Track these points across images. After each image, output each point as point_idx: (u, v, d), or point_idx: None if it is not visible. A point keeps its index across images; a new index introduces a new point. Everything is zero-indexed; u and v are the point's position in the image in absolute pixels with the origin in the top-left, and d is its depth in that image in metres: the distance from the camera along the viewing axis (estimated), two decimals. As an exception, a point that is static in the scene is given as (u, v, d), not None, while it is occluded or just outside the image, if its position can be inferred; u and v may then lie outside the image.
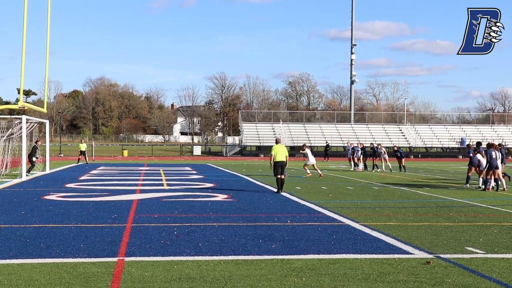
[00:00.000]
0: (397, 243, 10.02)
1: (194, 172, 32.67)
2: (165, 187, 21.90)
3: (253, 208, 15.12)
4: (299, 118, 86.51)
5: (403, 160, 34.73)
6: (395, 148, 35.79)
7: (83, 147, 42.20)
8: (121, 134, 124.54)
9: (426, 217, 13.57)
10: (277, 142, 20.66)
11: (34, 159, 28.60)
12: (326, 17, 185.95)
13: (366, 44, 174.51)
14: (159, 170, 33.76)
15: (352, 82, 79.57)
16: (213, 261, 8.48)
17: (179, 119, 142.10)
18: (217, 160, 54.45)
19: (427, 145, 72.32)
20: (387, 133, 74.79)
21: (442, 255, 9.00)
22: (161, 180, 25.81)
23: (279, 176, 19.78)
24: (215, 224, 12.16)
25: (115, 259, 8.55)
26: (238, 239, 10.28)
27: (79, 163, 42.12)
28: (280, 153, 19.84)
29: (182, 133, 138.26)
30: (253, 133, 73.46)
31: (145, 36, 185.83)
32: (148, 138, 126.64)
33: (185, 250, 9.24)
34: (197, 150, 73.47)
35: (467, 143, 71.36)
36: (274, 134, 71.69)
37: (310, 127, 76.91)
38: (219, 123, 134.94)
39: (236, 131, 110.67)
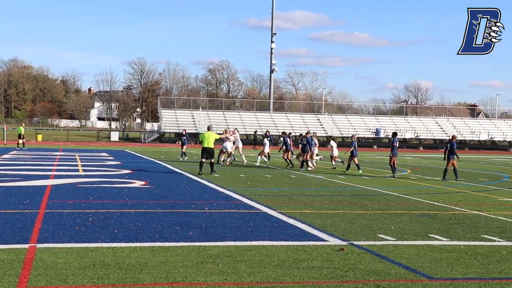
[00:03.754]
0: (313, 231, 10.20)
1: (111, 158, 32.12)
2: (81, 173, 21.43)
3: (170, 195, 15.03)
4: (219, 106, 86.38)
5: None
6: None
7: (22, 130, 44.47)
8: (35, 118, 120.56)
9: (341, 205, 13.90)
10: (208, 129, 22.55)
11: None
12: (247, 6, 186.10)
13: (286, 34, 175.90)
14: (75, 156, 32.99)
15: (271, 71, 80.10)
16: (128, 248, 8.38)
17: (96, 104, 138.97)
18: (135, 147, 53.75)
19: (343, 135, 73.90)
20: (305, 122, 75.92)
21: (355, 242, 9.24)
22: (76, 165, 25.23)
23: (203, 160, 21.45)
24: (131, 210, 12.01)
25: (26, 246, 8.30)
26: (154, 226, 10.19)
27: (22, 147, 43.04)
28: (208, 140, 21.08)
29: (99, 119, 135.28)
30: (172, 119, 72.89)
31: (63, 18, 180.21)
32: (64, 122, 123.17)
33: (100, 237, 9.08)
34: (115, 136, 72.22)
35: (381, 133, 73.52)
36: (194, 121, 71.43)
37: (230, 115, 77.08)
38: (138, 109, 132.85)
39: (155, 118, 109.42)
